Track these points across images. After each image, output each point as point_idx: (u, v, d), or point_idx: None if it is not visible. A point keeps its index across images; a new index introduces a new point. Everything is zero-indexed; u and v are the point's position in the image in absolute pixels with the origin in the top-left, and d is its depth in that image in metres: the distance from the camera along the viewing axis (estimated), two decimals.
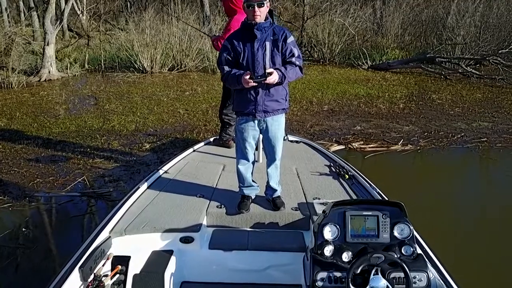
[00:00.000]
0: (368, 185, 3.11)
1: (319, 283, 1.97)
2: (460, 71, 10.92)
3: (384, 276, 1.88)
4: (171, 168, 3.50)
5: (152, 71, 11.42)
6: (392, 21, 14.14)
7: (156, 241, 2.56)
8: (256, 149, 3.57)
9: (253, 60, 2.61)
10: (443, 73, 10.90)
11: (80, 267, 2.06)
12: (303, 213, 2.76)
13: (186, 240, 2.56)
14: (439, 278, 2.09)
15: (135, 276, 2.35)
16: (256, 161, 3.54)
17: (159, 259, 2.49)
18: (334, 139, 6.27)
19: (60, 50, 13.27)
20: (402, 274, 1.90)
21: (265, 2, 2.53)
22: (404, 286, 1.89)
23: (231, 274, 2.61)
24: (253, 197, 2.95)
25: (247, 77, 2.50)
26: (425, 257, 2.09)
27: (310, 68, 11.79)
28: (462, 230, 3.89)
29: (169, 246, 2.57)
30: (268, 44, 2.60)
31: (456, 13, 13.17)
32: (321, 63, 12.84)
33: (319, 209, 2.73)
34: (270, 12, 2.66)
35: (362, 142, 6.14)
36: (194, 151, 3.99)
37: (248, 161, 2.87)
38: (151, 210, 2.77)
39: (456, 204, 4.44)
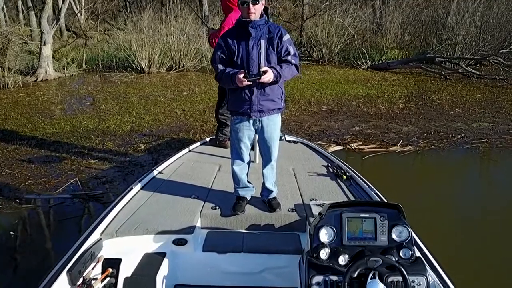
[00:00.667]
0: (366, 186, 3.06)
1: (315, 287, 1.90)
2: (460, 71, 10.85)
3: (381, 280, 1.81)
4: (165, 169, 3.44)
5: (150, 71, 11.37)
6: (392, 21, 14.09)
7: (148, 243, 2.50)
8: (252, 149, 3.51)
9: (247, 59, 2.54)
10: (443, 73, 10.83)
11: (68, 271, 2.00)
12: (299, 215, 2.71)
13: (179, 242, 2.50)
14: (439, 282, 2.03)
15: (126, 279, 2.28)
16: (252, 162, 3.47)
17: (151, 262, 2.43)
18: (332, 140, 6.20)
19: (57, 50, 13.22)
20: (400, 278, 1.84)
21: (260, 0, 2.46)
22: None
23: (225, 277, 2.55)
24: (248, 198, 2.89)
25: (241, 75, 2.43)
26: (424, 260, 2.03)
27: (309, 68, 11.73)
28: (462, 232, 3.81)
29: (161, 249, 2.51)
30: (263, 42, 2.54)
31: (456, 13, 13.11)
32: (320, 63, 12.79)
33: (316, 210, 2.68)
34: (266, 9, 2.60)
35: (360, 143, 6.06)
36: (189, 151, 3.93)
37: (244, 161, 2.81)
38: (143, 211, 2.72)
39: (456, 206, 4.37)
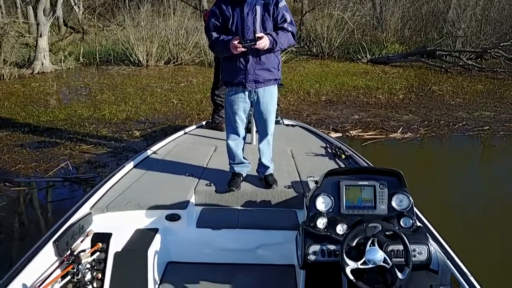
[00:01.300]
0: (366, 165, 2.94)
1: (311, 257, 1.80)
2: (460, 64, 10.75)
3: (381, 249, 1.70)
4: (160, 149, 3.35)
5: (148, 65, 11.26)
6: (392, 15, 13.97)
7: (140, 219, 2.42)
8: (249, 132, 3.40)
9: (242, 25, 2.44)
10: (444, 66, 10.73)
11: (54, 241, 1.92)
12: (296, 191, 2.62)
13: (172, 218, 2.43)
14: (441, 252, 1.92)
15: (116, 254, 2.19)
16: (249, 143, 3.36)
17: (143, 237, 2.35)
18: (331, 127, 6.08)
19: (54, 43, 13.10)
20: (400, 247, 1.73)
21: None
22: (403, 259, 1.70)
23: (220, 254, 2.48)
24: (244, 175, 2.81)
25: (236, 42, 2.32)
26: (425, 230, 1.92)
27: (308, 62, 11.64)
28: (463, 217, 3.73)
29: (154, 224, 2.44)
30: (258, 8, 2.43)
31: (457, 7, 13.00)
32: (319, 57, 12.68)
33: (313, 186, 2.56)
34: None
35: (360, 130, 5.95)
36: (185, 133, 3.84)
37: (239, 136, 2.71)
38: (136, 187, 2.64)
39: (457, 191, 4.29)
